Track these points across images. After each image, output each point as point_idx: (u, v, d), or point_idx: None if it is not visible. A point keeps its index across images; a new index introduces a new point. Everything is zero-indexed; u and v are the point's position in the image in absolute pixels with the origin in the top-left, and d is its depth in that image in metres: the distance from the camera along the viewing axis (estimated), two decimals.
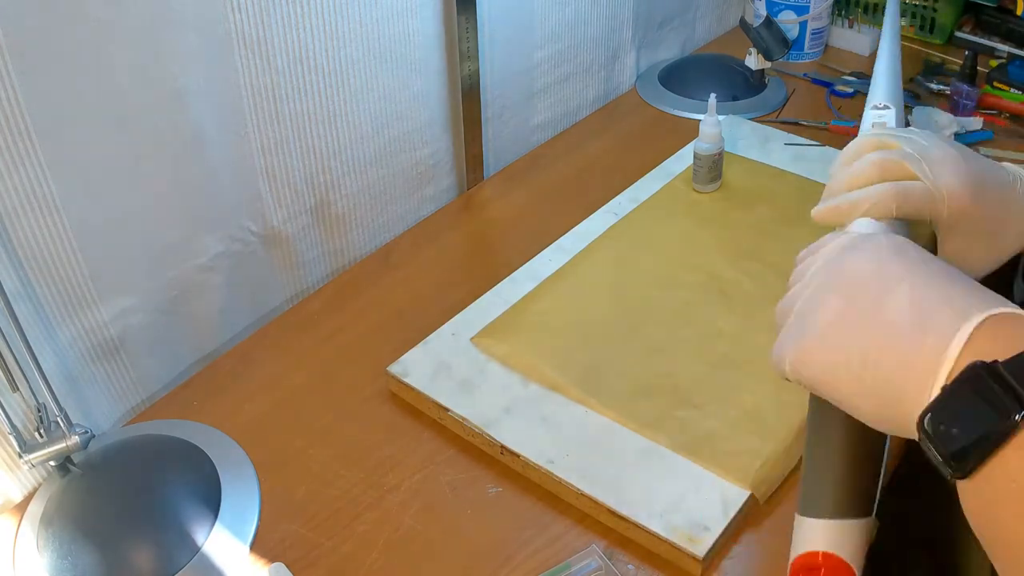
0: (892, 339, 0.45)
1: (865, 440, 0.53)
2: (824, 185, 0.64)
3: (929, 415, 0.42)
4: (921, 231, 0.60)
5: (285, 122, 0.81)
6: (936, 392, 0.42)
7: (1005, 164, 0.62)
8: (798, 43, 1.28)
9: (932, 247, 0.59)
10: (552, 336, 0.77)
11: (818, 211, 0.59)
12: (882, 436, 0.54)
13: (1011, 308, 0.43)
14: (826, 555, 0.51)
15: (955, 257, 0.61)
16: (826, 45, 1.32)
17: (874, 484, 0.54)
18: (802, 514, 0.53)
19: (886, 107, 0.70)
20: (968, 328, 0.42)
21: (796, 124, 1.13)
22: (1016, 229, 0.61)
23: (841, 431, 0.54)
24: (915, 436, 0.43)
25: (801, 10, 1.25)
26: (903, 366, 0.44)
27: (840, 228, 0.59)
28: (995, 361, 0.40)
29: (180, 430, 0.74)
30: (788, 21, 1.20)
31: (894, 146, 0.59)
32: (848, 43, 1.32)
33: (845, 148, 0.62)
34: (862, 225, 0.57)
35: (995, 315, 0.43)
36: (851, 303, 0.47)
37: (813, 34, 1.28)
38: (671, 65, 1.27)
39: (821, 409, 0.55)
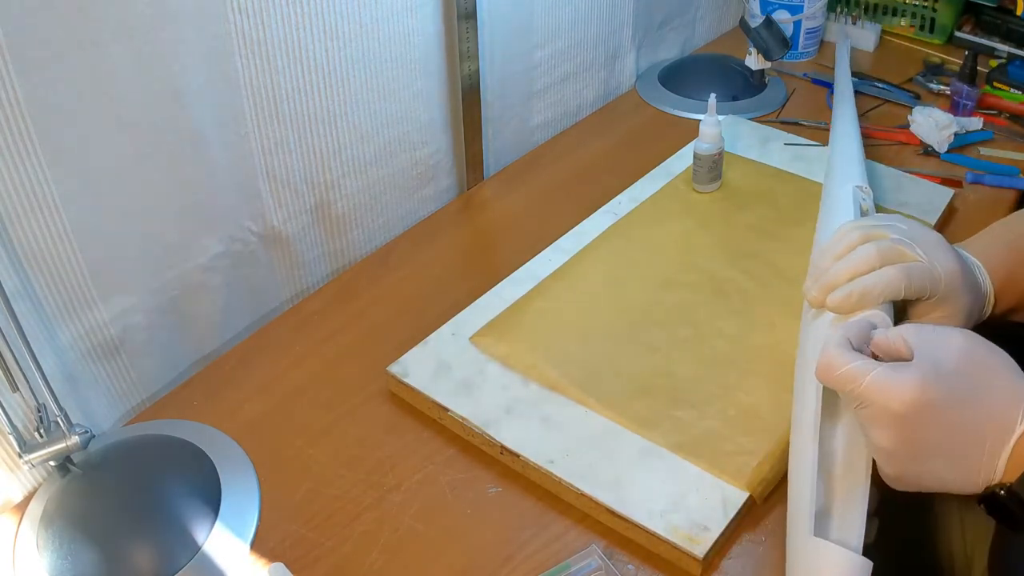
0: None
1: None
2: (820, 185, 0.67)
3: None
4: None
5: (285, 122, 0.81)
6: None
7: (956, 247, 0.67)
8: (792, 42, 1.28)
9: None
10: (552, 336, 0.77)
11: (833, 299, 0.61)
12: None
13: None
14: None
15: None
16: (822, 43, 1.32)
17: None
18: (817, 535, 0.54)
19: (867, 190, 0.78)
20: None
21: (796, 124, 1.13)
22: (978, 310, 0.67)
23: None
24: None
25: (795, 9, 1.25)
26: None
27: (841, 315, 0.62)
28: None
29: (180, 430, 0.74)
30: (782, 20, 1.20)
31: (884, 236, 0.63)
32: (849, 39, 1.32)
33: (833, 241, 0.65)
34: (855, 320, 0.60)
35: None
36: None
37: (807, 33, 1.28)
38: (671, 65, 1.27)
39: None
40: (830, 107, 1.16)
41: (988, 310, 0.70)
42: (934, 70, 1.23)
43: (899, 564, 0.70)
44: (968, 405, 0.52)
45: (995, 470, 0.51)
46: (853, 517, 0.56)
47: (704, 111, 0.95)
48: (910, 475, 0.54)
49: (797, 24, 1.26)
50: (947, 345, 0.53)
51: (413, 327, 0.80)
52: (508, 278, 0.85)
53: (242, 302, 0.85)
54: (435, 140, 0.98)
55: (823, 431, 0.59)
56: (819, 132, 1.10)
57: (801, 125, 1.12)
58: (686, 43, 1.36)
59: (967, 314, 0.65)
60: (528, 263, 0.87)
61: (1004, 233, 0.73)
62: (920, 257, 0.62)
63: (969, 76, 1.10)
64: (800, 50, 1.29)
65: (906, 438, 0.52)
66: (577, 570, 0.62)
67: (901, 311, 0.65)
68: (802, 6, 1.25)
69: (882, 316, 0.60)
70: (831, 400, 0.61)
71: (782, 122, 1.14)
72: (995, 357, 0.53)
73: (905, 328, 0.56)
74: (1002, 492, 0.50)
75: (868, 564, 0.53)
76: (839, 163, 0.87)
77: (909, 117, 1.08)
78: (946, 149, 1.04)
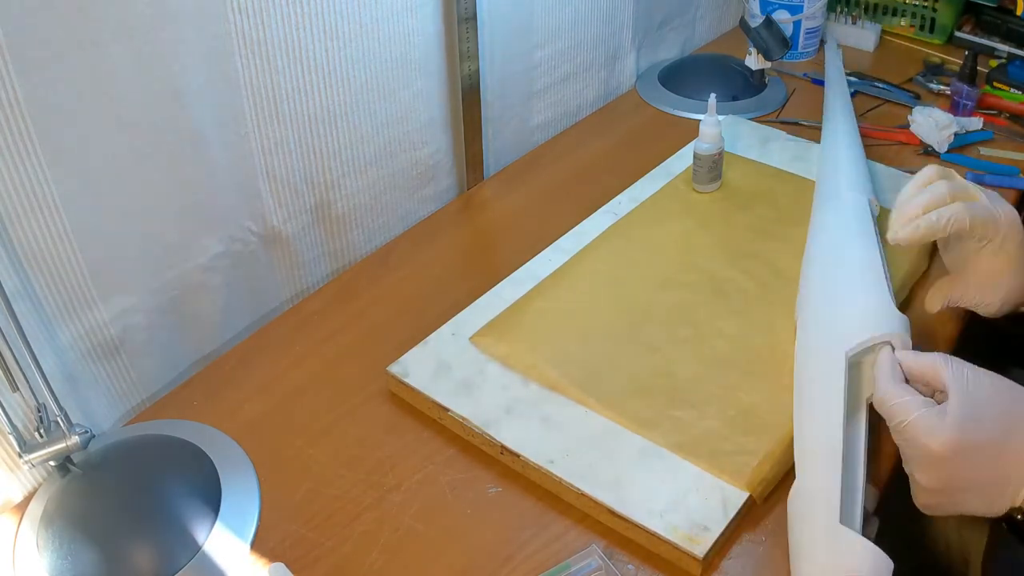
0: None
1: None
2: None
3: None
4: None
5: (285, 122, 0.81)
6: None
7: None
8: (792, 42, 1.27)
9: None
10: (552, 336, 0.77)
11: (906, 235, 0.69)
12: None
13: None
14: None
15: (992, 277, 0.72)
16: (822, 43, 1.32)
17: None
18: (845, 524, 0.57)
19: (875, 202, 0.84)
20: None
21: (796, 124, 1.13)
22: None
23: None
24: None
25: (795, 9, 1.25)
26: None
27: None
28: None
29: (180, 430, 0.74)
30: (782, 20, 1.20)
31: (956, 177, 0.72)
32: (850, 39, 1.32)
33: (915, 177, 0.73)
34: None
35: None
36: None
37: (807, 33, 1.28)
38: (671, 65, 1.27)
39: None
40: None
41: None
42: (934, 70, 1.23)
43: (897, 563, 0.70)
44: (998, 444, 0.56)
45: (1018, 497, 0.56)
46: (855, 511, 0.58)
47: (704, 111, 0.95)
48: (943, 505, 0.58)
49: (797, 24, 1.26)
50: (980, 386, 0.58)
51: (413, 327, 0.80)
52: (508, 278, 0.85)
53: (242, 302, 0.85)
54: (435, 140, 0.98)
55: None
56: (819, 132, 1.09)
57: (801, 125, 1.12)
58: (686, 43, 1.36)
59: (1018, 267, 0.71)
60: (528, 263, 0.87)
61: None
62: (983, 200, 0.69)
63: (969, 76, 1.10)
64: (800, 50, 1.29)
65: (941, 476, 0.57)
66: (577, 570, 0.62)
67: (963, 263, 0.73)
68: (802, 6, 1.25)
69: (902, 338, 0.64)
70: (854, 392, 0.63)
71: (782, 122, 1.14)
72: (1020, 396, 0.58)
73: (942, 359, 0.59)
74: (1020, 516, 0.56)
75: (891, 565, 0.54)
76: (845, 168, 0.88)
77: (909, 117, 1.08)
78: (946, 149, 1.04)
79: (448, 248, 0.95)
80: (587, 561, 0.62)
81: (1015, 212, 0.70)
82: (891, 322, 0.65)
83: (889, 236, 0.71)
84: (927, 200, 0.69)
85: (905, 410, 0.57)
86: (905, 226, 0.69)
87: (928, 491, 0.58)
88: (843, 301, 0.70)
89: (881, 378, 0.60)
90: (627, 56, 1.23)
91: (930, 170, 0.72)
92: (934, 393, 0.60)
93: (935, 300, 0.76)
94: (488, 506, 0.67)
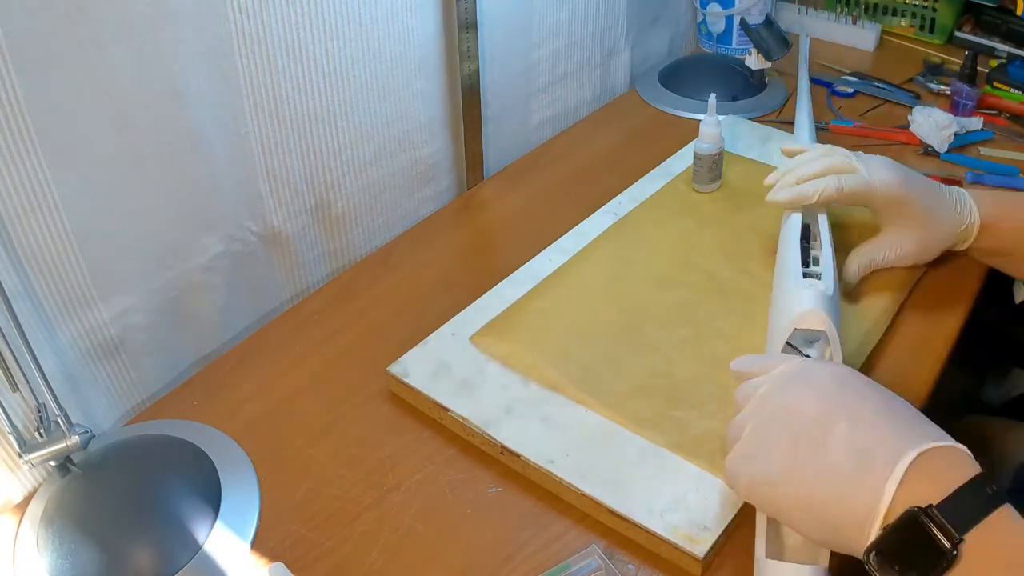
0: (834, 483, 0.49)
1: None
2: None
3: (873, 552, 0.47)
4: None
5: (285, 122, 0.81)
6: (876, 532, 0.47)
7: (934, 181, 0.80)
8: (725, 37, 1.26)
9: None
10: (551, 335, 0.77)
11: (776, 197, 0.78)
12: None
13: (942, 441, 0.48)
14: None
15: (896, 242, 0.79)
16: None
17: None
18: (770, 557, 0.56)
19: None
20: (901, 468, 0.46)
21: None
22: (947, 224, 0.78)
23: None
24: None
25: (727, 3, 1.24)
26: (846, 508, 0.48)
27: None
28: (929, 506, 0.45)
29: (180, 430, 0.74)
30: (715, 14, 1.18)
31: (839, 152, 0.79)
32: (850, 39, 1.32)
33: (799, 156, 0.81)
34: (807, 298, 0.67)
35: (926, 451, 0.47)
36: (796, 444, 0.52)
37: (741, 28, 1.26)
38: (671, 65, 1.27)
39: None
40: (830, 107, 1.16)
41: (970, 238, 0.79)
42: (934, 70, 1.23)
43: None
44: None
45: (866, 533, 0.48)
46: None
47: (704, 111, 0.95)
48: (746, 473, 0.55)
49: (729, 19, 1.23)
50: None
51: (413, 327, 0.80)
52: (508, 278, 0.85)
53: (242, 302, 0.85)
54: (435, 140, 0.98)
55: None
56: (819, 132, 1.10)
57: None
58: (673, 38, 1.35)
59: (931, 227, 0.78)
60: (528, 263, 0.87)
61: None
62: (861, 169, 0.76)
63: (969, 76, 1.10)
64: (735, 45, 1.27)
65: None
66: (577, 570, 0.62)
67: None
68: (734, 0, 1.23)
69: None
70: None
71: (782, 122, 1.14)
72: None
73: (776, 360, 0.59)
74: (871, 558, 0.47)
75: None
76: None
77: (909, 117, 1.08)
78: (946, 149, 1.04)
79: (448, 248, 0.95)
80: (587, 561, 0.62)
81: (895, 176, 0.76)
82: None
83: (768, 196, 0.79)
84: (802, 171, 0.77)
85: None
86: (780, 191, 0.77)
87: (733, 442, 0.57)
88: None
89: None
90: (622, 53, 1.23)
91: (818, 147, 0.81)
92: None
93: (851, 268, 0.80)
94: (488, 506, 0.67)
